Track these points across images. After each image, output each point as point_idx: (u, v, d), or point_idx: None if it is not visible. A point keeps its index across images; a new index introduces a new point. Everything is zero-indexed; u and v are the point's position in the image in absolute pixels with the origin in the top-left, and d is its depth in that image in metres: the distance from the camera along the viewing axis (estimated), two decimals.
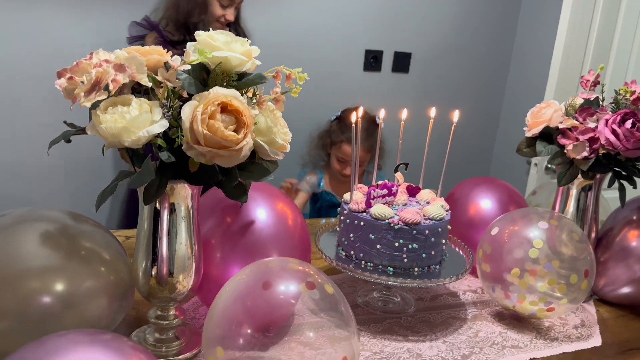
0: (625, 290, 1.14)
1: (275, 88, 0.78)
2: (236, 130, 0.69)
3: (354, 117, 1.02)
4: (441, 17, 2.33)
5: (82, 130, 0.71)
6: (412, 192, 1.11)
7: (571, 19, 2.16)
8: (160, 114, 0.69)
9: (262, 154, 0.76)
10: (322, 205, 2.16)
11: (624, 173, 1.07)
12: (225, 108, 0.68)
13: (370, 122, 1.99)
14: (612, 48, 2.30)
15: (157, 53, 0.77)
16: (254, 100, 0.76)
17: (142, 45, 1.74)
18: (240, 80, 0.74)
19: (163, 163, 0.71)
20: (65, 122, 0.74)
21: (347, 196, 1.07)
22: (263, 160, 0.78)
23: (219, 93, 0.69)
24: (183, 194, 0.77)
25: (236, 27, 1.99)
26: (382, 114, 1.15)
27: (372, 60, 2.23)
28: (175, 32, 1.85)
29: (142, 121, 0.66)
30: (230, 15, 1.88)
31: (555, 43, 2.25)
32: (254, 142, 0.74)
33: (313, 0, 2.10)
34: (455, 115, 1.08)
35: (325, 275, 0.73)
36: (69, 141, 0.70)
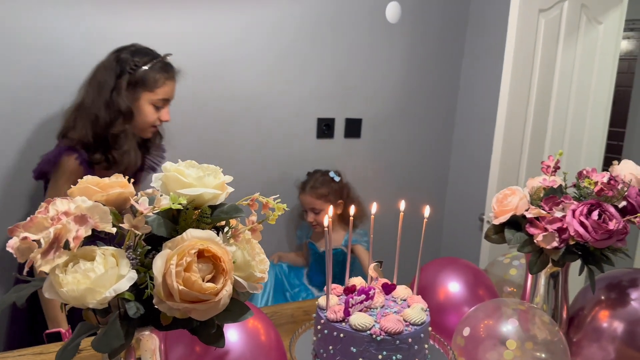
0: None
1: (251, 217, 0.73)
2: (214, 279, 0.63)
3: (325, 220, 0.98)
4: (388, 84, 2.40)
5: (38, 287, 0.63)
6: (388, 289, 1.08)
7: (512, 77, 2.26)
8: (127, 266, 0.62)
9: (238, 288, 0.71)
10: (311, 255, 2.27)
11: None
12: (201, 254, 0.63)
13: (326, 175, 2.16)
14: (550, 112, 2.43)
15: (118, 186, 0.71)
16: (229, 234, 0.70)
17: (58, 167, 1.57)
18: (214, 215, 0.69)
19: None
20: (16, 274, 0.65)
21: (322, 301, 1.02)
22: (238, 292, 0.73)
23: (194, 238, 0.63)
24: (151, 346, 0.69)
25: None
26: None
27: (325, 128, 2.23)
28: (95, 151, 1.51)
29: (108, 279, 0.59)
30: (165, 115, 1.63)
31: (498, 101, 2.35)
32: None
33: (264, 72, 2.09)
34: (426, 211, 1.06)
35: None
36: (22, 305, 0.61)
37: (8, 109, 1.69)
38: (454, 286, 1.29)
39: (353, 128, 2.31)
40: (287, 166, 2.21)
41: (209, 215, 0.67)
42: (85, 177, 0.72)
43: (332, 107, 2.26)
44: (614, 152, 3.85)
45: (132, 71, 1.53)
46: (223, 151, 2.07)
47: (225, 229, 0.70)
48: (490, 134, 2.39)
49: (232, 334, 0.87)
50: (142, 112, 1.57)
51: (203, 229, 0.66)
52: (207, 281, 0.62)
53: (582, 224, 1.01)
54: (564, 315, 1.19)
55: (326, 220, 1.01)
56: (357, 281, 1.11)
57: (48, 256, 0.57)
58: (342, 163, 2.34)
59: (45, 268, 0.57)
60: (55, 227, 0.58)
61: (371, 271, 1.09)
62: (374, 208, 1.12)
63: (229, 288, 0.63)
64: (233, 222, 0.73)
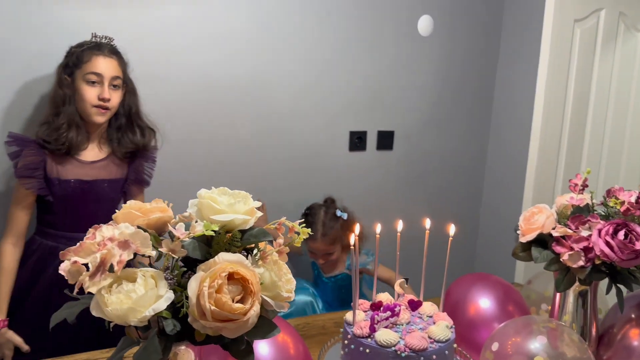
0: None
1: (278, 240, 0.78)
2: (243, 300, 0.68)
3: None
4: (420, 96, 2.42)
5: (87, 304, 0.69)
6: (414, 306, 1.11)
7: (547, 88, 2.24)
8: (165, 287, 0.68)
9: (266, 307, 0.76)
10: (316, 280, 2.18)
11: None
12: (231, 276, 0.68)
13: (332, 215, 2.04)
14: (587, 123, 2.39)
15: (158, 210, 0.77)
16: (257, 256, 0.75)
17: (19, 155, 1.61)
18: (244, 238, 0.74)
19: None
20: (66, 291, 0.72)
21: (349, 316, 1.06)
22: (267, 310, 0.77)
23: (225, 261, 0.68)
24: (187, 359, 0.75)
25: (137, 121, 1.71)
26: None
27: (357, 141, 2.27)
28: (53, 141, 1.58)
29: (148, 299, 0.65)
30: (105, 93, 1.57)
31: (533, 112, 2.33)
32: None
33: (298, 86, 2.15)
34: (452, 230, 1.09)
35: None
36: (73, 322, 0.68)
37: None
38: (484, 302, 1.31)
39: (385, 140, 2.34)
40: (320, 178, 2.25)
41: (239, 239, 0.73)
42: (128, 203, 0.78)
43: (364, 119, 2.29)
44: None
45: (68, 56, 1.62)
46: (257, 165, 2.14)
47: (254, 252, 0.75)
48: (525, 145, 2.38)
49: (263, 347, 0.92)
50: (78, 92, 1.58)
51: (234, 252, 0.71)
52: (237, 302, 0.67)
53: (607, 243, 1.01)
54: (594, 332, 1.19)
55: (352, 239, 1.05)
56: (384, 297, 1.14)
57: (95, 278, 0.64)
58: (374, 175, 2.37)
59: (92, 289, 0.63)
60: (101, 252, 0.64)
61: (397, 288, 1.12)
62: (399, 226, 1.15)
63: (256, 308, 0.68)
64: (261, 244, 0.78)
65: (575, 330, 1.18)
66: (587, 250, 1.04)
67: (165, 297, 0.67)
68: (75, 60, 1.60)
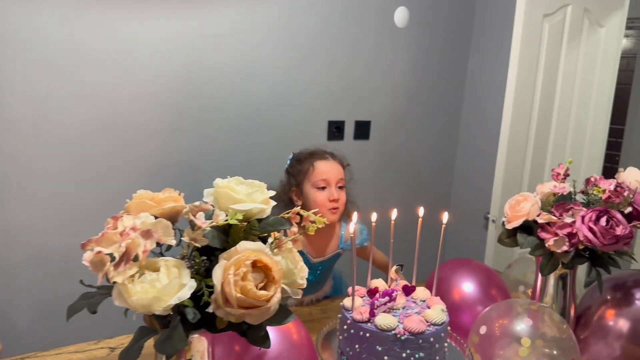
0: None
1: (292, 228, 0.80)
2: (266, 286, 0.69)
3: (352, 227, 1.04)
4: (396, 87, 2.46)
5: (107, 295, 0.69)
6: (408, 291, 1.14)
7: (517, 80, 2.32)
8: (188, 275, 0.68)
9: (283, 294, 0.77)
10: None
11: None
12: (254, 264, 0.69)
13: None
14: (553, 113, 2.49)
15: (171, 200, 0.77)
16: (273, 244, 0.77)
17: None
18: (260, 227, 0.75)
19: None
20: (81, 281, 0.72)
21: (347, 302, 1.09)
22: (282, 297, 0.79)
23: (247, 249, 0.69)
24: (200, 347, 0.76)
25: None
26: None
27: (335, 130, 2.29)
28: None
29: (172, 288, 0.66)
30: None
31: (504, 103, 2.41)
32: None
33: (276, 76, 2.15)
34: (445, 217, 1.13)
35: None
36: (94, 312, 0.67)
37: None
38: (467, 286, 1.36)
39: (362, 130, 2.38)
40: None
41: (257, 228, 0.74)
42: (139, 192, 0.78)
43: (342, 109, 2.32)
44: (613, 149, 3.92)
45: None
46: (236, 155, 2.13)
47: (270, 240, 0.77)
48: (495, 134, 2.46)
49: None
50: None
51: (253, 241, 0.72)
52: (260, 289, 0.68)
53: (591, 229, 1.08)
54: (572, 314, 1.26)
55: (352, 226, 1.07)
56: (379, 283, 1.18)
57: (119, 268, 0.64)
58: (352, 164, 2.39)
59: (118, 279, 0.63)
60: (126, 242, 0.64)
61: (392, 274, 1.15)
62: (394, 214, 1.18)
63: (279, 295, 0.69)
64: (274, 233, 0.79)
65: (555, 312, 1.25)
66: (571, 235, 1.10)
67: (188, 286, 0.67)
68: None
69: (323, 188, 1.62)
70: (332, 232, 1.75)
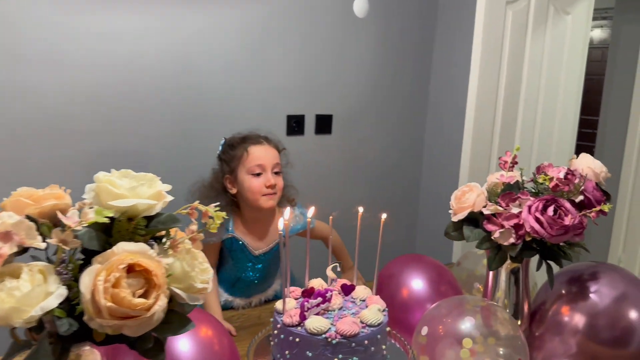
0: None
1: (191, 226, 0.71)
2: (146, 294, 0.61)
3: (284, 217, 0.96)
4: (358, 80, 2.39)
5: None
6: (347, 290, 1.07)
7: (481, 69, 2.26)
8: (56, 282, 0.60)
9: (179, 300, 0.69)
10: (234, 253, 1.66)
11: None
12: (132, 268, 0.61)
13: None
14: (520, 102, 2.44)
15: (52, 197, 0.69)
16: (167, 245, 0.68)
17: None
18: (150, 225, 0.67)
19: None
20: None
21: (279, 305, 1.01)
22: (180, 304, 0.71)
23: (124, 252, 0.61)
24: None
25: None
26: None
27: (295, 125, 2.21)
28: None
29: (35, 296, 0.58)
30: None
31: (468, 94, 2.35)
32: (170, 290, 0.66)
33: (230, 69, 2.06)
34: (383, 216, 1.06)
35: None
36: None
37: None
38: (417, 283, 1.29)
39: (324, 124, 2.30)
40: None
41: (143, 227, 0.66)
42: (18, 189, 0.70)
43: (301, 103, 2.24)
44: (587, 140, 3.89)
45: None
46: (189, 148, 2.04)
47: (163, 240, 0.69)
48: (461, 126, 2.40)
49: (184, 343, 0.86)
50: None
51: (138, 241, 0.64)
52: (139, 296, 0.60)
53: (537, 220, 1.01)
54: (526, 309, 1.20)
55: (286, 214, 0.99)
56: (317, 283, 1.10)
57: None
58: (313, 160, 2.32)
59: None
60: None
61: (329, 273, 1.08)
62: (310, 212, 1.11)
63: (162, 302, 0.61)
64: (173, 232, 0.71)
65: (507, 308, 1.18)
66: (517, 227, 1.04)
67: (56, 294, 0.59)
68: None
69: (258, 174, 1.54)
70: (272, 219, 1.64)
